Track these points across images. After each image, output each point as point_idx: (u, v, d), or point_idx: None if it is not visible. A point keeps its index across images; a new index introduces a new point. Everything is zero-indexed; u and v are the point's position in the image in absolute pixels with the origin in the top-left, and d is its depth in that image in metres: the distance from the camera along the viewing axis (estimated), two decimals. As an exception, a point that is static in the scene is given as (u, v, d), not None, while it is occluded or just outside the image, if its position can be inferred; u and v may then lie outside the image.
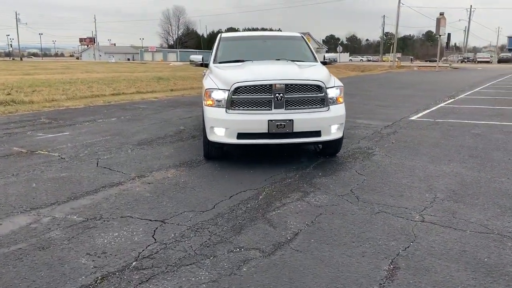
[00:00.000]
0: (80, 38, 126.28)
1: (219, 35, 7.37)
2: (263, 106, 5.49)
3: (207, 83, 5.94)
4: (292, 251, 3.32)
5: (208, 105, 5.69)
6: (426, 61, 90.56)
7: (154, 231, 3.70)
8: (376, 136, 7.93)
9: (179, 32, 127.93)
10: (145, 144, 7.33)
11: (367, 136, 7.90)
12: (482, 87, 19.98)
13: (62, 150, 6.83)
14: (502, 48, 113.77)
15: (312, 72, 5.89)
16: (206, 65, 7.00)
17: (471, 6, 71.19)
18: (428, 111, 11.45)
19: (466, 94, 16.34)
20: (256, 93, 5.46)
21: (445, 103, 13.16)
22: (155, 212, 4.14)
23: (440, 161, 6.00)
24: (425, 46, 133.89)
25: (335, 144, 6.10)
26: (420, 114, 10.76)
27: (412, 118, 10.18)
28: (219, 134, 5.58)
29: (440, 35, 43.40)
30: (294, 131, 5.45)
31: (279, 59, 6.72)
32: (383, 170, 5.57)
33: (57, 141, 7.53)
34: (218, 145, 5.81)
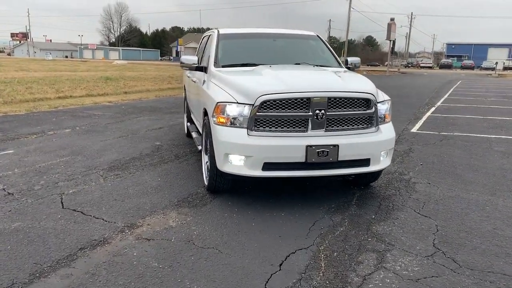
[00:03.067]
0: (11, 33, 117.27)
1: (215, 31, 5.85)
2: (296, 126, 4.10)
3: (216, 93, 4.45)
4: None
5: (220, 123, 4.21)
6: (368, 65, 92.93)
7: None
8: (394, 155, 6.77)
9: (121, 30, 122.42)
10: (119, 168, 5.68)
11: (384, 155, 6.70)
12: (448, 93, 19.72)
13: (8, 180, 5.04)
14: (435, 54, 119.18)
15: (357, 82, 4.57)
16: (202, 69, 5.47)
17: (412, 13, 73.15)
18: (422, 121, 10.55)
19: (441, 101, 15.82)
20: (289, 109, 4.06)
21: (430, 112, 12.39)
22: (180, 303, 2.63)
23: (501, 193, 4.91)
24: (365, 51, 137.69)
25: (376, 173, 4.83)
26: (418, 126, 9.81)
27: (413, 130, 9.19)
28: (237, 164, 4.12)
29: (391, 40, 43.99)
30: (338, 159, 4.10)
31: (299, 63, 5.35)
32: (448, 209, 4.36)
33: (-2, 165, 5.68)
34: (233, 177, 4.33)
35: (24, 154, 6.33)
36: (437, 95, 18.52)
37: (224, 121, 4.18)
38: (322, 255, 3.31)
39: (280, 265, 3.14)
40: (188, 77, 6.97)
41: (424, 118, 11.10)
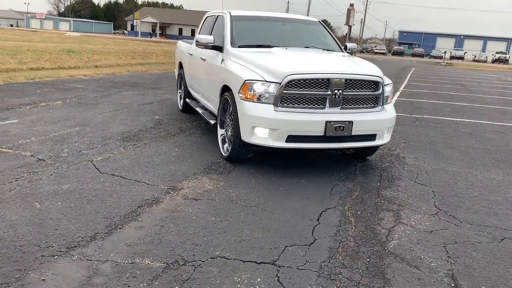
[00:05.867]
0: None
1: (227, 12, 6.22)
2: (316, 103, 4.65)
3: (241, 71, 4.89)
4: (480, 306, 2.63)
5: (246, 99, 4.68)
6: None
7: (280, 281, 2.73)
8: (378, 133, 7.50)
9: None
10: (132, 139, 6.00)
11: (369, 133, 7.42)
12: (407, 80, 20.95)
13: (31, 147, 5.26)
14: (386, 41, 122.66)
15: (368, 66, 5.16)
16: (217, 48, 5.85)
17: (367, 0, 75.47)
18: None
19: (403, 87, 16.88)
20: (311, 88, 4.59)
21: (397, 97, 13.32)
22: (248, 248, 3.14)
23: (478, 167, 5.73)
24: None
25: (373, 148, 5.48)
26: (390, 108, 10.61)
27: (387, 112, 9.97)
28: (261, 136, 4.62)
29: (350, 25, 45.21)
30: (352, 134, 4.71)
31: (308, 47, 5.87)
32: (438, 179, 5.11)
33: (11, 133, 5.84)
34: (257, 148, 4.83)
35: (30, 124, 6.47)
36: (398, 81, 19.64)
37: (250, 97, 4.65)
38: (349, 213, 3.92)
39: (318, 219, 3.72)
40: (191, 54, 7.29)
41: (393, 102, 11.94)
